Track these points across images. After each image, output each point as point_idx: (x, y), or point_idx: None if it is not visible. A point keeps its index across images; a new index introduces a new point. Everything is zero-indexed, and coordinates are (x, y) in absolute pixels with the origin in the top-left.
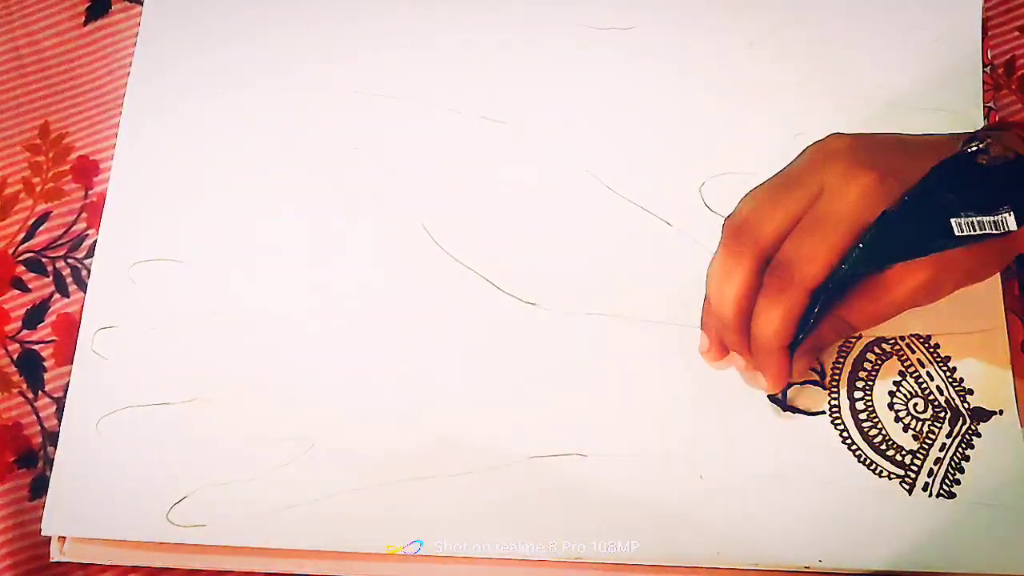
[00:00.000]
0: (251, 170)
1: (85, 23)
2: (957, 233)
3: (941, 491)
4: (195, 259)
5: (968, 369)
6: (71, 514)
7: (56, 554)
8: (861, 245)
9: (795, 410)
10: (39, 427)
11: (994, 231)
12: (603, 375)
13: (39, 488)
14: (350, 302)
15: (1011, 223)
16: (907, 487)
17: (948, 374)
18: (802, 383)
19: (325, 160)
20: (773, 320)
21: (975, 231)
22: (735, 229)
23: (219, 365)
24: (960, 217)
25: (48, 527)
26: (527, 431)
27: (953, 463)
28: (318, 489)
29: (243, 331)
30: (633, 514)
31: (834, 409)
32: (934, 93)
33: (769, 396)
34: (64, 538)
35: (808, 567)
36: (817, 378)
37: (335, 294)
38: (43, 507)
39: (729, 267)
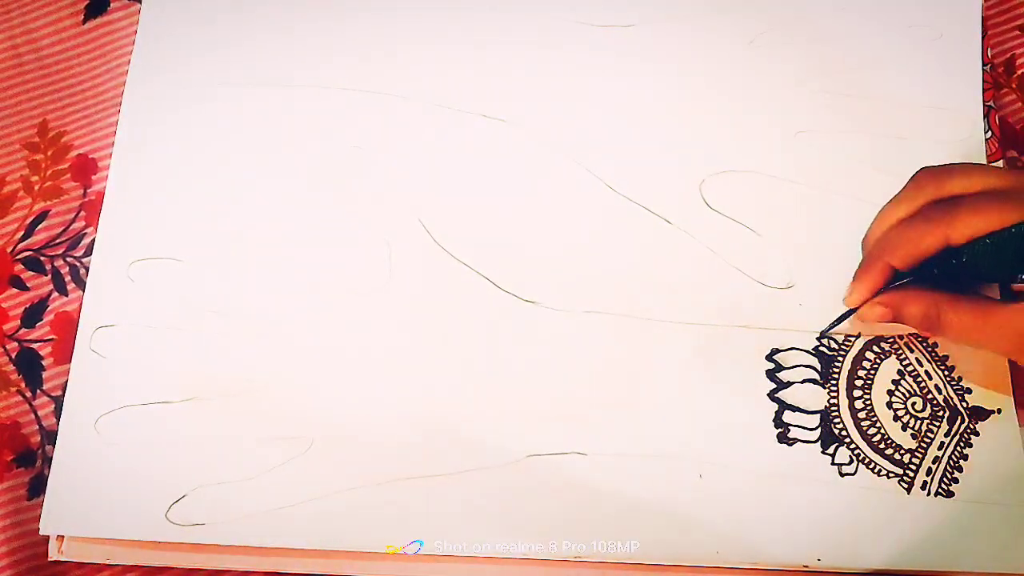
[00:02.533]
0: (250, 168)
1: (84, 21)
2: None
3: (939, 490)
4: (194, 257)
5: (966, 368)
6: (69, 513)
7: (54, 553)
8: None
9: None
10: (37, 426)
11: None
12: (603, 373)
13: (37, 487)
14: (349, 301)
15: None
16: (905, 486)
17: (946, 373)
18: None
19: (324, 158)
20: (905, 236)
21: None
22: (929, 173)
23: (218, 364)
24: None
25: (46, 526)
26: (526, 430)
27: (951, 462)
28: (317, 488)
29: (242, 329)
30: (633, 513)
31: (833, 408)
32: (934, 92)
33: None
34: (62, 537)
35: (807, 566)
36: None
37: (334, 293)
38: (41, 506)
39: (902, 198)
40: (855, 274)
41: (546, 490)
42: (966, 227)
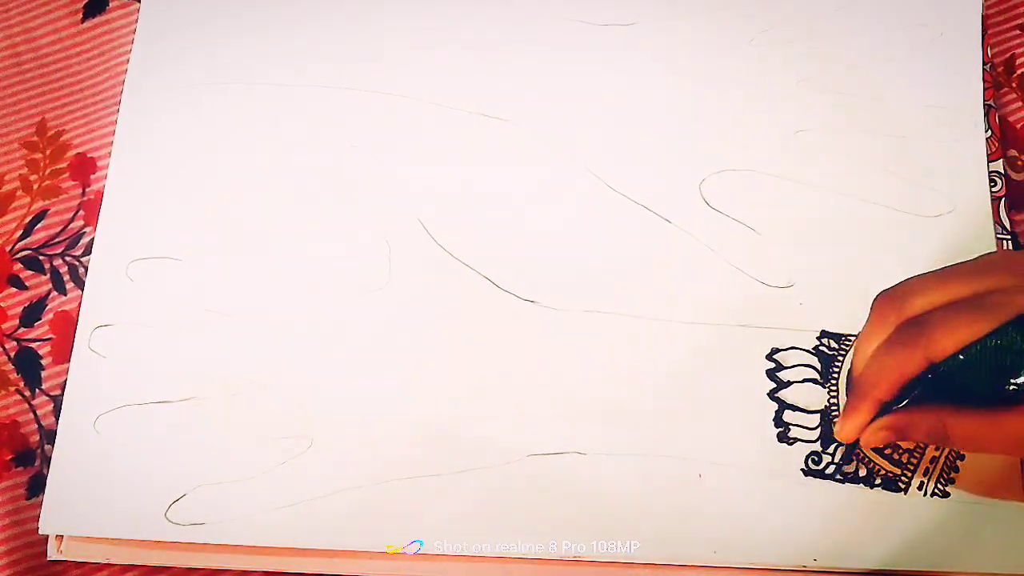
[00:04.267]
0: (249, 167)
1: (83, 20)
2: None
3: (936, 490)
4: (193, 257)
5: None
6: (69, 513)
7: (53, 553)
8: (996, 340)
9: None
10: (36, 425)
11: None
12: (602, 373)
13: (36, 487)
14: (348, 300)
15: None
16: (902, 486)
17: None
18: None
19: (323, 157)
20: (884, 367)
21: None
22: (886, 298)
23: (217, 363)
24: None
25: (45, 526)
26: (526, 429)
27: (948, 462)
28: (317, 488)
29: (241, 329)
30: (631, 513)
31: (833, 408)
32: (934, 91)
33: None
34: (62, 537)
35: (804, 566)
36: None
37: (333, 292)
38: (40, 506)
39: (869, 333)
40: (843, 409)
41: (546, 489)
42: (942, 345)
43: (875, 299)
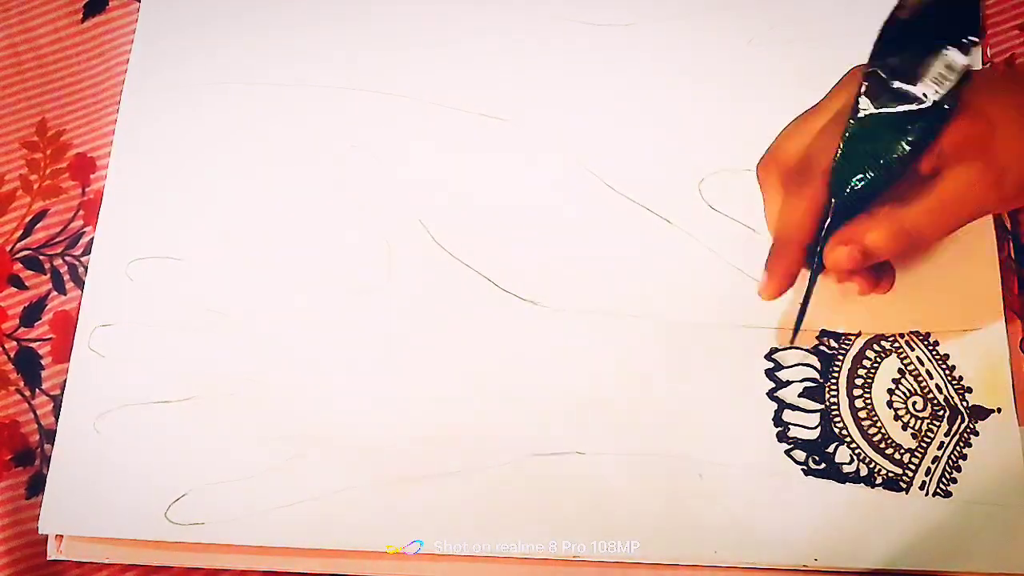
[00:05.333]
0: (249, 167)
1: (83, 20)
2: (929, 100)
3: (938, 490)
4: (192, 256)
5: (967, 367)
6: (68, 512)
7: (53, 552)
8: (846, 134)
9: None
10: (36, 425)
11: (952, 74)
12: (602, 372)
13: (36, 486)
14: (348, 300)
15: (957, 59)
16: (904, 486)
17: (947, 372)
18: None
19: (323, 157)
20: (793, 209)
21: (941, 85)
22: (762, 165)
23: (217, 363)
24: (915, 84)
25: (45, 525)
26: (526, 429)
27: (951, 462)
28: (317, 488)
29: (241, 328)
30: (631, 512)
31: (833, 407)
32: None
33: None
34: (62, 536)
35: (805, 566)
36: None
37: (333, 292)
38: (40, 505)
39: (768, 201)
40: (766, 270)
41: (546, 489)
42: (824, 164)
43: (756, 172)
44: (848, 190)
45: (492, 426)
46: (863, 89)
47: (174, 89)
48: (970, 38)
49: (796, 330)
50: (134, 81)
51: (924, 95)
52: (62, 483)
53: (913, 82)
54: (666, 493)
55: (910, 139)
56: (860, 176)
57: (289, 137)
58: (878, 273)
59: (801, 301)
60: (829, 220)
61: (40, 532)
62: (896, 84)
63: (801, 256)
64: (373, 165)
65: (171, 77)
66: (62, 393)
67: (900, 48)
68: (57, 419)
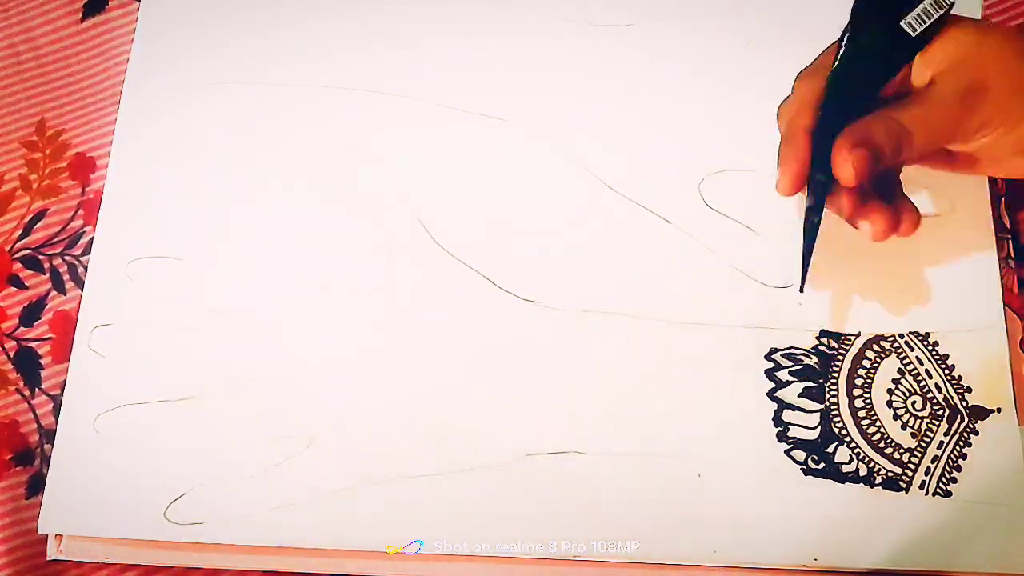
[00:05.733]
0: (248, 167)
1: (82, 20)
2: (909, 31)
3: (938, 489)
4: (192, 256)
5: (966, 367)
6: (68, 512)
7: (53, 552)
8: (835, 65)
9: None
10: (36, 425)
11: (937, 9)
12: (601, 372)
13: (36, 486)
14: (348, 299)
15: None
16: (904, 485)
17: (947, 372)
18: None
19: (322, 157)
20: (793, 105)
21: (922, 21)
22: (782, 108)
23: (216, 363)
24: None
25: (45, 525)
26: (526, 429)
27: (950, 461)
28: (317, 487)
29: (240, 328)
30: (631, 512)
31: (833, 407)
32: None
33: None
34: (61, 536)
35: (805, 566)
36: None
37: (332, 291)
38: (40, 505)
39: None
40: (778, 164)
41: (545, 489)
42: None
43: (776, 113)
44: (844, 83)
45: (492, 426)
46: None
47: (174, 89)
48: None
49: (803, 275)
50: (134, 81)
51: (906, 26)
52: (62, 483)
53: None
54: (666, 493)
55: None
56: (854, 73)
57: (289, 137)
58: (896, 210)
59: (803, 240)
60: (825, 104)
61: (40, 532)
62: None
63: (808, 142)
64: (373, 165)
65: (171, 77)
66: (62, 393)
67: None
68: (57, 419)
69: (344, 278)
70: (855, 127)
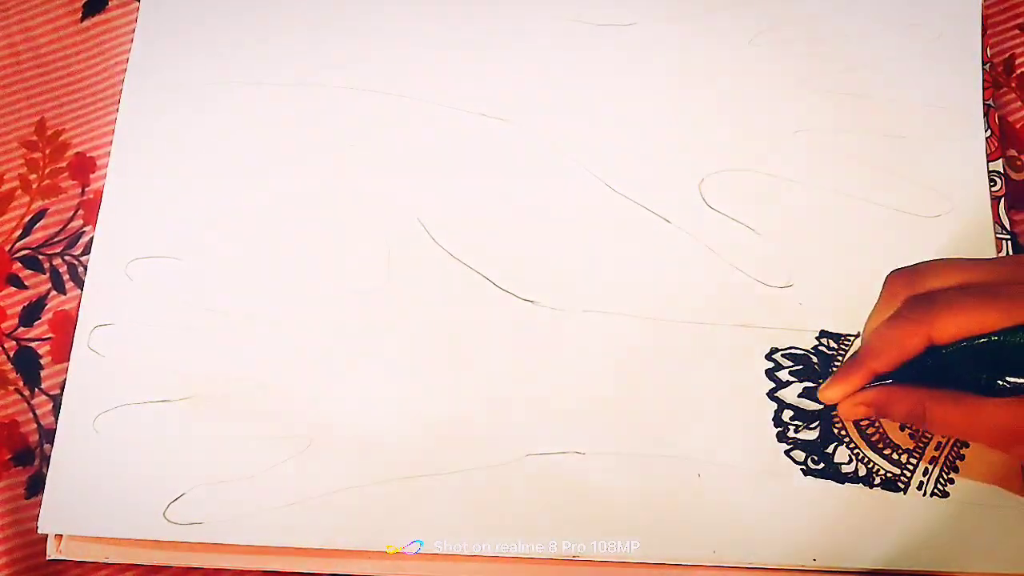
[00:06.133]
0: (248, 167)
1: (82, 19)
2: None
3: (935, 490)
4: (192, 256)
5: None
6: (68, 512)
7: (53, 552)
8: (1004, 337)
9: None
10: (36, 425)
11: None
12: (601, 372)
13: (36, 486)
14: (347, 299)
15: None
16: (902, 486)
17: None
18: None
19: (322, 157)
20: (887, 338)
21: None
22: (900, 275)
23: (216, 362)
24: None
25: (44, 525)
26: (526, 429)
27: (948, 462)
28: (317, 487)
29: (240, 328)
30: (631, 512)
31: (832, 407)
32: (934, 91)
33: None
34: (61, 536)
35: (804, 566)
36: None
37: (332, 291)
38: (40, 505)
39: (880, 305)
40: (836, 372)
41: (545, 489)
42: (947, 326)
43: (888, 275)
44: (937, 362)
45: (491, 425)
46: None
47: (174, 89)
48: None
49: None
50: (133, 80)
51: None
52: (61, 483)
53: None
54: (665, 493)
55: None
56: (963, 369)
57: (288, 136)
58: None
59: None
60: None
61: (39, 531)
62: None
63: (867, 379)
64: (373, 165)
65: (171, 77)
66: (62, 393)
67: None
68: (56, 419)
69: (344, 278)
70: (885, 390)
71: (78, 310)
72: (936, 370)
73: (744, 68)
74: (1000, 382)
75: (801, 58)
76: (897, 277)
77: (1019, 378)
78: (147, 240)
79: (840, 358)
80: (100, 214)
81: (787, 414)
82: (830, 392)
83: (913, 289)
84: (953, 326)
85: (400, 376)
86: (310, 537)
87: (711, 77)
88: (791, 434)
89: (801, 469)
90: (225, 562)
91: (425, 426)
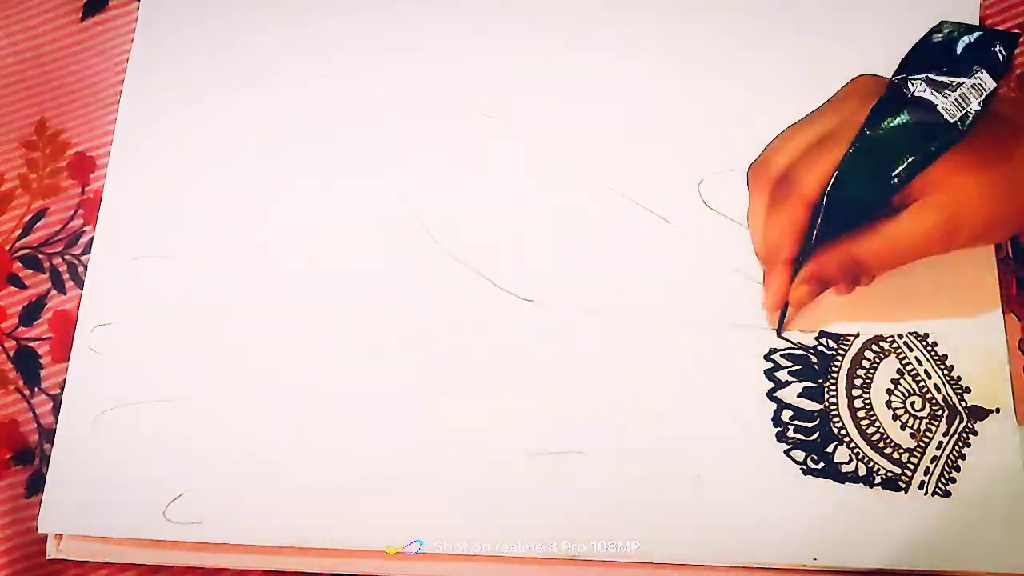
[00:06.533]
0: (248, 167)
1: (82, 19)
2: (946, 118)
3: (937, 489)
4: (192, 256)
5: (965, 367)
6: (68, 512)
7: (53, 552)
8: (851, 149)
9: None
10: (35, 424)
11: (977, 96)
12: (601, 372)
13: (35, 485)
14: (348, 300)
15: (987, 81)
16: (903, 485)
17: (946, 372)
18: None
19: (322, 158)
20: (776, 228)
21: (961, 107)
22: (754, 168)
23: (216, 362)
24: (939, 95)
25: (44, 525)
26: (525, 429)
27: (950, 461)
28: (316, 486)
29: (239, 327)
30: (631, 512)
31: (832, 407)
32: None
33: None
34: (61, 536)
35: (804, 565)
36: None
37: (333, 292)
38: (40, 504)
39: (753, 205)
40: (763, 285)
41: (545, 489)
42: (812, 187)
43: (748, 171)
44: (831, 212)
45: (492, 425)
46: (880, 99)
47: (175, 89)
48: (1003, 65)
49: (780, 322)
50: (133, 80)
51: (943, 110)
52: (62, 482)
53: (936, 96)
54: (666, 493)
55: (912, 159)
56: (847, 198)
57: (289, 137)
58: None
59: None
60: (813, 239)
61: (39, 531)
62: (918, 93)
63: (789, 270)
64: (373, 165)
65: (171, 77)
66: (61, 392)
67: (928, 64)
68: (56, 418)
69: (345, 279)
70: (816, 259)
71: (78, 310)
72: (833, 219)
73: (744, 68)
74: (892, 180)
75: (801, 58)
76: (753, 172)
77: (898, 168)
78: (147, 240)
79: (840, 358)
80: (100, 214)
81: (786, 414)
82: (769, 300)
83: (770, 175)
84: (815, 182)
85: (401, 376)
86: (311, 536)
87: (709, 76)
88: (791, 434)
89: (801, 469)
90: (225, 561)
91: (425, 426)
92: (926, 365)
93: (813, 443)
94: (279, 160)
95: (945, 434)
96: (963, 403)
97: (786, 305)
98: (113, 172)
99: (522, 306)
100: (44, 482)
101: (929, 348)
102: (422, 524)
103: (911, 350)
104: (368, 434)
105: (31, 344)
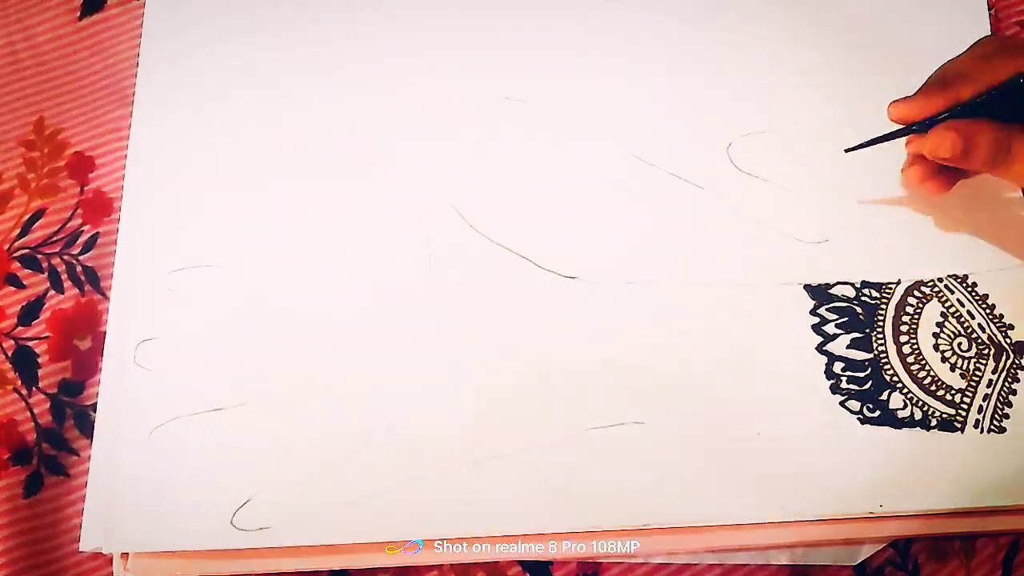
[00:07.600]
0: (281, 168)
1: (81, 18)
2: None
3: (992, 426)
4: (228, 262)
5: (1007, 305)
6: (131, 529)
7: (120, 572)
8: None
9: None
10: (33, 424)
11: None
12: (650, 343)
13: (34, 485)
14: (391, 294)
15: None
16: (959, 425)
17: (988, 311)
18: None
19: (353, 153)
20: (967, 64)
21: None
22: (992, 40)
23: (266, 366)
24: None
25: (88, 542)
26: (581, 404)
27: (1001, 398)
28: (381, 482)
29: (284, 329)
30: (695, 476)
31: (882, 355)
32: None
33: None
34: (127, 554)
35: (871, 512)
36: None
37: (375, 286)
38: (39, 504)
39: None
40: (914, 94)
41: (607, 464)
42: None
43: (981, 39)
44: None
45: (548, 404)
46: None
47: (191, 92)
48: None
49: (862, 145)
50: (145, 81)
51: None
52: (113, 500)
53: None
54: (727, 455)
55: None
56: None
57: (320, 135)
58: (950, 179)
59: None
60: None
61: (80, 549)
62: None
63: (950, 104)
64: (401, 155)
65: (184, 79)
66: (59, 392)
67: None
68: (54, 418)
69: (385, 272)
70: (973, 122)
71: (76, 309)
72: (1010, 103)
73: (766, 31)
74: None
75: (825, 19)
76: (990, 40)
77: None
78: (183, 250)
79: (884, 306)
80: (121, 225)
81: (838, 366)
82: (905, 109)
83: (1006, 49)
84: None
85: (451, 366)
86: (381, 532)
87: (733, 40)
88: (844, 385)
89: (858, 418)
90: (297, 565)
91: (478, 413)
92: (968, 306)
93: (867, 392)
94: (312, 159)
95: (994, 372)
96: (1008, 340)
97: (875, 141)
98: (131, 182)
99: (565, 284)
100: (42, 482)
101: (970, 289)
102: (498, 510)
103: (952, 292)
104: (427, 424)
105: (29, 344)
